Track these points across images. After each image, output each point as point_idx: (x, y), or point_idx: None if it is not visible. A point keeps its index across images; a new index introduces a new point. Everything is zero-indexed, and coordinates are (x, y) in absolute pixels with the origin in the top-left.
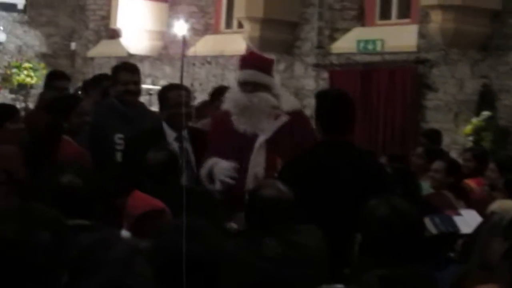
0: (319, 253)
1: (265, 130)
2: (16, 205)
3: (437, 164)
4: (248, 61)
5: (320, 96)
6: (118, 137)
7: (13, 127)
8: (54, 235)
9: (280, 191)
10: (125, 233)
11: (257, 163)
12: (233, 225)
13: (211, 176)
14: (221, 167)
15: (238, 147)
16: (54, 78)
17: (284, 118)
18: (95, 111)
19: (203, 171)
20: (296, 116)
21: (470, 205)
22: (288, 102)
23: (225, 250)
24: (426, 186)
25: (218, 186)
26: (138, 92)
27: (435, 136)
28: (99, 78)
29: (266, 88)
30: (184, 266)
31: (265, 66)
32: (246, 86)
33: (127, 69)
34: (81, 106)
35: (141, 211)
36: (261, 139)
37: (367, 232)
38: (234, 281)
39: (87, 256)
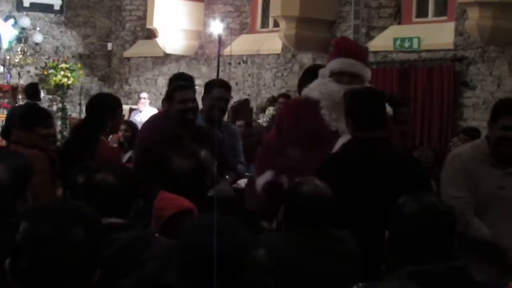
0: (355, 250)
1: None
2: (53, 202)
3: None
4: (345, 48)
5: (351, 94)
6: None
7: (44, 132)
8: (89, 232)
9: (320, 188)
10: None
11: None
12: (265, 224)
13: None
14: None
15: (327, 145)
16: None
17: None
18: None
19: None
20: None
21: None
22: None
23: (256, 245)
24: None
25: None
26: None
27: (474, 134)
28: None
29: (362, 80)
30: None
31: (363, 55)
32: (342, 76)
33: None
34: (120, 110)
35: (170, 212)
36: (345, 138)
37: (395, 229)
38: (269, 276)
39: (124, 254)
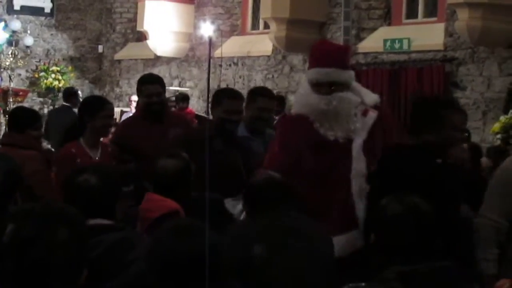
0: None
1: (358, 131)
2: (39, 204)
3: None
4: (321, 56)
5: (419, 100)
6: None
7: (34, 134)
8: (74, 233)
9: (271, 176)
10: None
11: (359, 172)
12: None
13: None
14: None
15: (330, 155)
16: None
17: (373, 114)
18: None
19: None
20: (381, 110)
21: None
22: (369, 95)
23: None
24: None
25: None
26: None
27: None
28: None
29: (343, 85)
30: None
31: (343, 60)
32: (321, 87)
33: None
34: (108, 109)
35: (157, 214)
36: (358, 143)
37: (380, 230)
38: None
39: (111, 255)
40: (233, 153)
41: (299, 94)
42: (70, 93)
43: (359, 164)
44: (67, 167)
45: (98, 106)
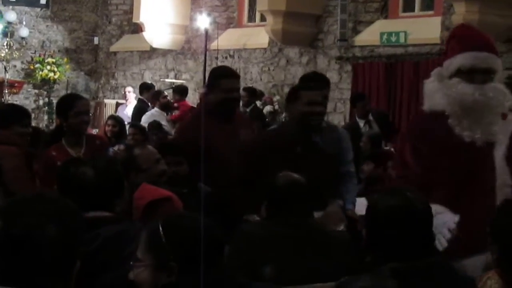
0: (343, 244)
1: (499, 136)
2: (29, 198)
3: None
4: (474, 39)
5: None
6: None
7: (20, 131)
8: (65, 227)
9: (294, 177)
10: None
11: (504, 181)
12: (255, 217)
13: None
14: (443, 220)
15: (467, 160)
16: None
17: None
18: None
19: None
20: None
21: None
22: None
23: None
24: None
25: (442, 242)
26: None
27: None
28: None
29: (495, 76)
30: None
31: (494, 44)
32: (475, 75)
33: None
34: (79, 106)
35: (147, 200)
36: (501, 149)
37: (373, 227)
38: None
39: (108, 248)
40: (322, 157)
41: (431, 87)
42: (146, 88)
43: (503, 173)
44: (47, 171)
45: (68, 105)
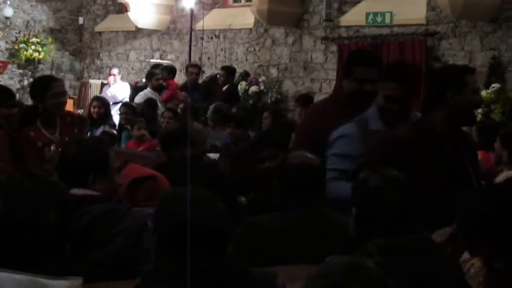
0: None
1: None
2: (26, 179)
3: None
4: None
5: None
6: None
7: (5, 112)
8: (63, 213)
9: (307, 158)
10: None
11: None
12: (243, 199)
13: None
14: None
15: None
16: None
17: None
18: None
19: None
20: None
21: None
22: None
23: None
24: None
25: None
26: None
27: None
28: None
29: None
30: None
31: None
32: None
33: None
34: (56, 87)
35: (132, 177)
36: None
37: (361, 204)
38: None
39: (96, 226)
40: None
41: None
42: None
43: None
44: (28, 151)
45: (45, 87)
